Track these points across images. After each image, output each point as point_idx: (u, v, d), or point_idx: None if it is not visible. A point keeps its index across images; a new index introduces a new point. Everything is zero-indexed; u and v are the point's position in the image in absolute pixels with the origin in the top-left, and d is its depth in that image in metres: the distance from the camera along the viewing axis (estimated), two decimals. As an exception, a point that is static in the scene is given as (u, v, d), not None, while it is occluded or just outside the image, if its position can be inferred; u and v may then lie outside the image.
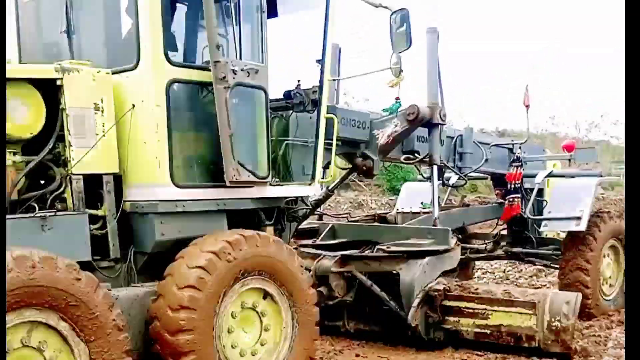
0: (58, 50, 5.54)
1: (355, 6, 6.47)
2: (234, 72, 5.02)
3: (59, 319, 4.01)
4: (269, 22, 5.59)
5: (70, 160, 4.71)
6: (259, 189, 5.49)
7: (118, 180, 5.01)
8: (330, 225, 7.58)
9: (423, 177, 8.50)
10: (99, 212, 4.89)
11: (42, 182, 4.83)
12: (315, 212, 7.63)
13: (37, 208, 4.54)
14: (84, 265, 4.35)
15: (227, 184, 5.10)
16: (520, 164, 8.39)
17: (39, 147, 4.73)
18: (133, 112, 4.91)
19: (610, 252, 8.40)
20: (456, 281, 6.84)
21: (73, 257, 4.25)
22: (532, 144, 9.86)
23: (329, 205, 13.03)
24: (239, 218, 5.51)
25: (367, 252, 6.90)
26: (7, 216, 4.35)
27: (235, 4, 5.09)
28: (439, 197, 7.62)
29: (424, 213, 8.08)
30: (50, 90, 4.70)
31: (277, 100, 6.06)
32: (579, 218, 7.82)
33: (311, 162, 6.04)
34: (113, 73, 4.95)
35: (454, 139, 8.09)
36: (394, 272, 6.50)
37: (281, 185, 5.78)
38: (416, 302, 6.34)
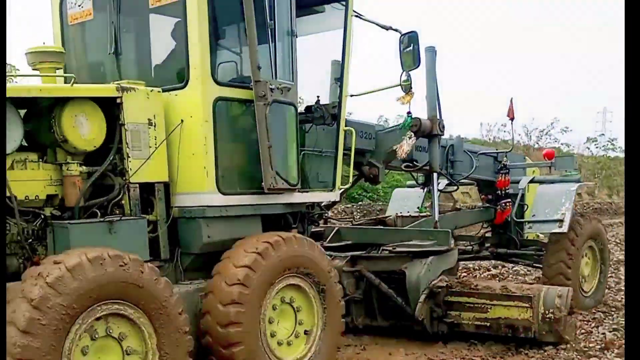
0: (104, 70, 6.00)
1: (367, 28, 7.03)
2: (272, 90, 5.52)
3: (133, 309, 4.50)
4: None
5: (128, 171, 5.16)
6: (288, 195, 5.99)
7: (166, 188, 5.47)
8: (336, 229, 8.03)
9: (417, 183, 9.09)
10: (151, 217, 5.36)
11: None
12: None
13: (98, 214, 5.01)
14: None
15: (265, 190, 5.60)
16: (507, 171, 9.05)
17: (97, 158, 5.17)
18: (182, 126, 5.39)
19: (588, 252, 9.09)
20: (456, 279, 7.46)
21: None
22: (514, 153, 10.56)
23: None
24: (269, 222, 6.02)
25: (373, 252, 7.42)
26: (79, 221, 4.85)
27: (271, 29, 5.59)
28: (432, 202, 8.21)
29: (422, 217, 8.67)
30: (110, 108, 5.16)
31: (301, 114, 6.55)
32: (561, 220, 8.52)
33: (331, 171, 6.55)
34: (163, 91, 5.42)
35: (446, 148, 8.64)
36: (400, 270, 7.02)
37: (307, 191, 6.28)
38: (422, 297, 6.85)
